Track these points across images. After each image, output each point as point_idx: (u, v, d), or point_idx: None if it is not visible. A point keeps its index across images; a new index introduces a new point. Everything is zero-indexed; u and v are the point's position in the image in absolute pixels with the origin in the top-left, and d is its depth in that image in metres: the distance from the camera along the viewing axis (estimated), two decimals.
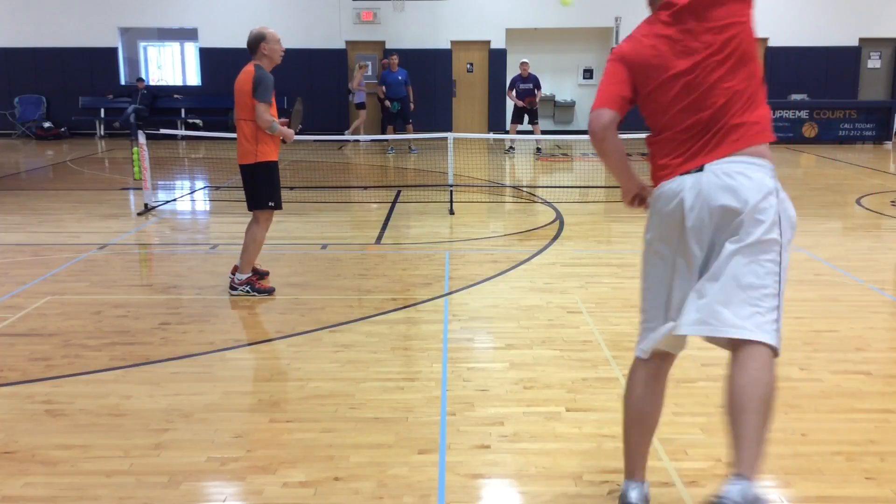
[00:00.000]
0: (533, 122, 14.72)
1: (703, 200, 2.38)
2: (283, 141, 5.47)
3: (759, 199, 2.49)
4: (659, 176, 2.55)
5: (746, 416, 2.20)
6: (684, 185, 2.42)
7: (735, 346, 2.33)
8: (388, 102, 14.47)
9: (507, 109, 18.69)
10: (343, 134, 17.43)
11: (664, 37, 2.46)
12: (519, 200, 9.88)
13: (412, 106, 14.72)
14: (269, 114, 5.27)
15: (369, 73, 17.15)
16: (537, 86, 14.60)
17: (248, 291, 5.45)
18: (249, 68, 5.30)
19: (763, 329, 2.37)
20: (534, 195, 9.99)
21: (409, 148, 15.01)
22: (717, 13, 2.39)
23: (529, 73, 14.61)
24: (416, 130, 15.62)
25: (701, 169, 2.41)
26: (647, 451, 2.65)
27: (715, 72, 2.40)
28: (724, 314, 2.33)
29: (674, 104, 2.45)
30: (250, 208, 5.47)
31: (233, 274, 5.50)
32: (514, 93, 14.67)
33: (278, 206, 5.47)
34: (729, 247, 2.39)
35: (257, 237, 5.44)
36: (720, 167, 2.41)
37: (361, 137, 14.72)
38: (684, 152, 2.46)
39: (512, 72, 18.53)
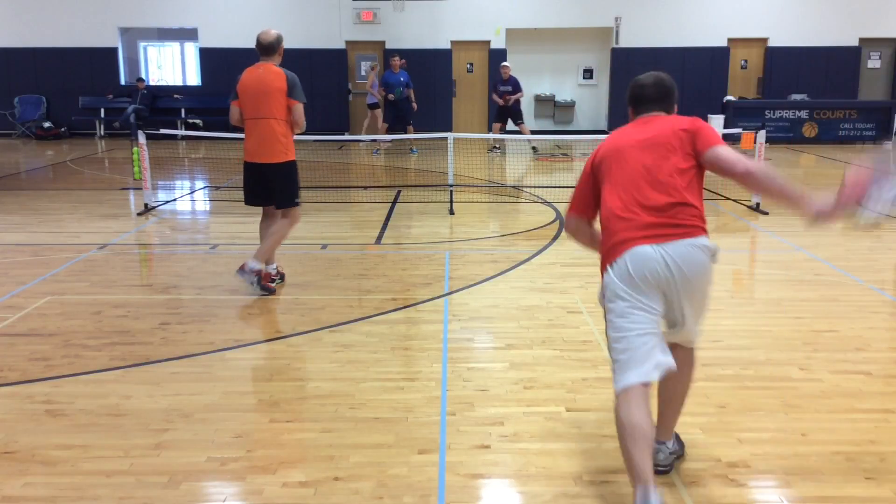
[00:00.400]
0: (518, 122, 14.77)
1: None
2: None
3: None
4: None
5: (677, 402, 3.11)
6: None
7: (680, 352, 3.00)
8: (390, 96, 14.37)
9: (492, 110, 18.74)
10: (343, 134, 17.44)
11: None
12: (519, 200, 9.88)
13: (414, 106, 14.67)
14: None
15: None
16: (517, 88, 14.64)
17: (252, 283, 5.44)
18: (276, 69, 5.32)
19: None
20: (534, 195, 9.99)
21: (410, 149, 14.97)
22: None
23: (510, 76, 14.70)
24: (416, 130, 15.62)
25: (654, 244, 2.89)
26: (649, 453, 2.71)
27: None
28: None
29: None
30: (281, 206, 5.50)
31: (241, 271, 5.44)
32: (494, 95, 14.89)
33: (299, 203, 5.60)
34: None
35: (286, 234, 5.55)
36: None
37: (366, 137, 14.74)
38: None
39: (512, 71, 18.54)
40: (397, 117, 14.57)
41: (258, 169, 5.42)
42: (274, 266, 5.71)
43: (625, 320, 2.78)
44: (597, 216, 3.06)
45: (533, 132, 16.48)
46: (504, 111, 14.69)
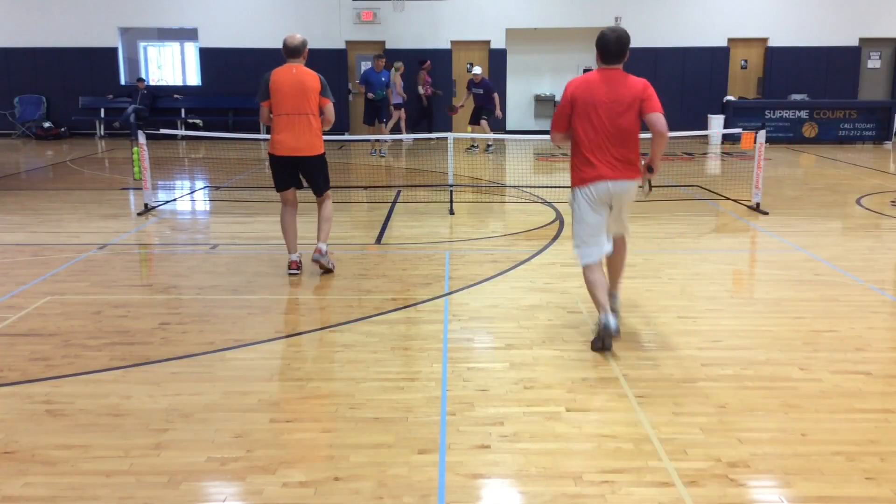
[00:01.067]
0: (481, 119, 14.94)
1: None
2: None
3: None
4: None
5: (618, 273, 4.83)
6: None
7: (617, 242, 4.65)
8: (370, 94, 14.37)
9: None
10: (343, 134, 17.44)
11: None
12: (519, 200, 9.88)
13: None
14: None
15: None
16: (489, 90, 14.84)
17: (329, 263, 6.04)
18: (309, 70, 5.89)
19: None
20: (534, 195, 9.99)
21: (381, 152, 14.80)
22: None
23: (482, 79, 14.97)
24: (416, 130, 15.62)
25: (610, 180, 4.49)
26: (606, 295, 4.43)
27: None
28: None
29: None
30: (322, 192, 6.09)
31: (317, 254, 5.95)
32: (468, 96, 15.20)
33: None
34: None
35: (331, 211, 6.22)
36: None
37: (369, 137, 14.73)
38: None
39: (512, 71, 18.57)
40: (374, 116, 14.50)
41: (292, 161, 5.91)
42: (298, 255, 6.14)
43: (587, 220, 4.43)
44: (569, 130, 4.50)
45: (533, 132, 16.45)
46: (476, 111, 14.99)
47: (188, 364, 4.22)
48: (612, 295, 4.66)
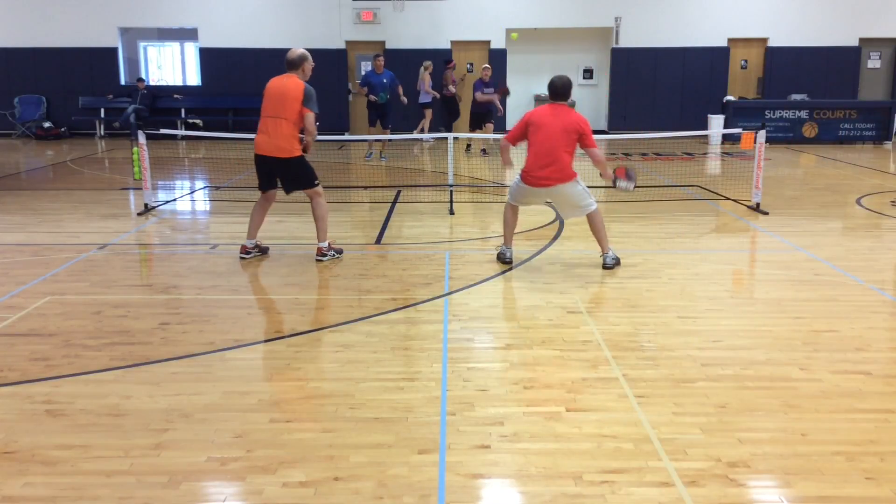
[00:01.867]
0: (487, 123, 14.77)
1: None
2: (305, 151, 6.33)
3: None
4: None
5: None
6: None
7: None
8: (372, 97, 13.51)
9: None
10: (343, 134, 17.44)
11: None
12: None
13: (404, 99, 14.04)
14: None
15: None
16: (496, 89, 14.69)
17: (334, 255, 6.43)
18: (298, 81, 6.22)
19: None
20: None
21: (381, 155, 14.18)
22: None
23: (490, 78, 14.66)
24: (416, 130, 15.60)
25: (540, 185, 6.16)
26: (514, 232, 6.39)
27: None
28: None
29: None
30: (304, 188, 6.36)
31: (318, 255, 6.39)
32: (478, 94, 14.75)
33: (318, 183, 6.42)
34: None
35: (323, 209, 6.42)
36: None
37: (369, 138, 14.71)
38: None
39: (512, 71, 18.57)
40: (380, 119, 13.62)
41: (266, 161, 6.28)
42: (254, 241, 6.54)
43: (519, 194, 6.24)
44: (517, 144, 6.25)
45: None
46: (482, 113, 14.63)
47: (188, 364, 4.22)
48: (604, 255, 6.19)
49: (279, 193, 6.61)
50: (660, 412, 3.59)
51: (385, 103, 13.52)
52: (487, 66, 14.95)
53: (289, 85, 6.16)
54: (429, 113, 15.94)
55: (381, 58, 13.61)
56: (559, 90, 6.07)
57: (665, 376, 4.01)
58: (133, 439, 3.32)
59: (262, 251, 6.64)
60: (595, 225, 6.15)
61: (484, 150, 14.80)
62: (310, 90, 6.18)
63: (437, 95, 15.53)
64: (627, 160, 14.03)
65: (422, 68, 15.53)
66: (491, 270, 6.13)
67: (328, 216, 6.49)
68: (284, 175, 6.34)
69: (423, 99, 15.82)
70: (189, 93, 18.57)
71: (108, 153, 15.23)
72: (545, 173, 5.94)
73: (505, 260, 6.28)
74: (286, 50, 6.45)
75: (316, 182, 6.37)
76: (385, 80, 13.39)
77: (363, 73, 14.76)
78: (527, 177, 6.04)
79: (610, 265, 6.13)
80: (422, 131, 15.39)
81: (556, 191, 6.05)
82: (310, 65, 6.39)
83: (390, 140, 14.40)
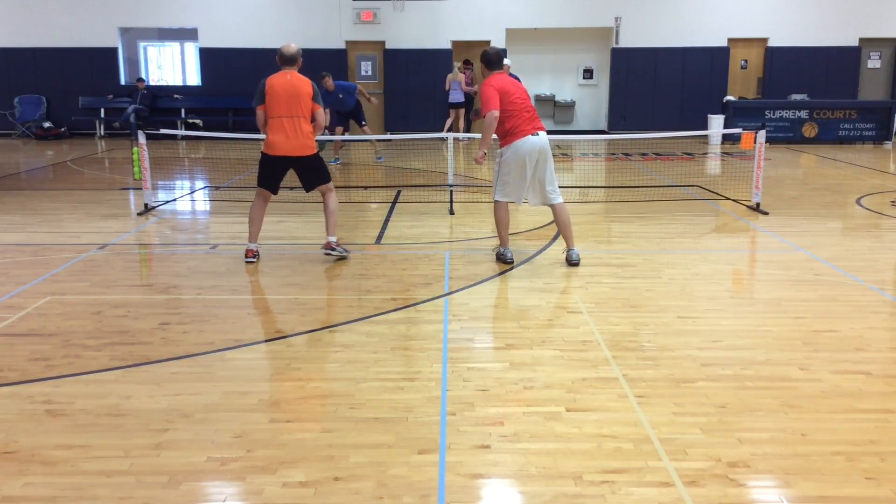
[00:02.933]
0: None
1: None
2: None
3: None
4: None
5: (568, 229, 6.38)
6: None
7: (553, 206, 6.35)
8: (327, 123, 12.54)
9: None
10: (344, 134, 17.41)
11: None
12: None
13: (372, 99, 13.33)
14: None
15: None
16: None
17: (342, 252, 6.45)
18: (302, 76, 6.24)
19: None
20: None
21: (377, 157, 13.95)
22: None
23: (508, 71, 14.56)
24: (416, 130, 15.60)
25: (537, 134, 6.21)
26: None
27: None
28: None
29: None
30: (312, 188, 6.47)
31: (327, 248, 6.44)
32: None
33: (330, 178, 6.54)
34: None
35: (336, 203, 6.54)
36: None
37: (371, 137, 14.70)
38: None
39: (513, 71, 18.53)
40: (353, 119, 13.05)
41: (285, 161, 6.25)
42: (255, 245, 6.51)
43: (513, 184, 6.36)
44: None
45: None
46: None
47: (188, 364, 4.22)
48: (569, 250, 6.37)
49: (292, 193, 6.58)
50: (660, 412, 3.59)
51: (349, 112, 12.81)
52: (508, 62, 14.71)
53: (299, 83, 6.15)
54: (461, 113, 15.91)
55: (328, 76, 12.41)
56: (496, 61, 6.30)
57: (665, 376, 4.01)
58: (133, 439, 3.32)
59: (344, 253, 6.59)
60: (562, 214, 6.38)
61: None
62: (316, 86, 6.28)
63: (472, 91, 15.56)
64: (627, 161, 14.03)
65: (455, 68, 15.42)
66: (491, 270, 6.13)
67: (337, 211, 6.56)
68: (307, 172, 6.34)
69: (456, 98, 15.75)
70: (189, 93, 18.57)
71: (108, 153, 15.23)
72: (538, 124, 6.18)
73: (506, 260, 6.30)
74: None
75: (329, 178, 6.50)
76: (341, 96, 12.57)
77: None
78: (525, 134, 6.10)
79: (576, 261, 6.26)
80: (449, 130, 15.24)
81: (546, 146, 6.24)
82: (301, 59, 6.42)
83: (363, 140, 14.00)
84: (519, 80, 6.57)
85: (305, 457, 3.18)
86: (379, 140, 14.45)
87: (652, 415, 3.56)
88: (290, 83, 6.12)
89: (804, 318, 4.96)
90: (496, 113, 6.03)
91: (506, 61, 14.66)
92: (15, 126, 17.90)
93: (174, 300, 5.40)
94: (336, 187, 6.72)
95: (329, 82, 12.28)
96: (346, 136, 12.89)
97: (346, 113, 12.85)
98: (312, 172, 6.36)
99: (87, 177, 11.93)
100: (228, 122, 18.11)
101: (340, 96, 12.54)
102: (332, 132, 12.69)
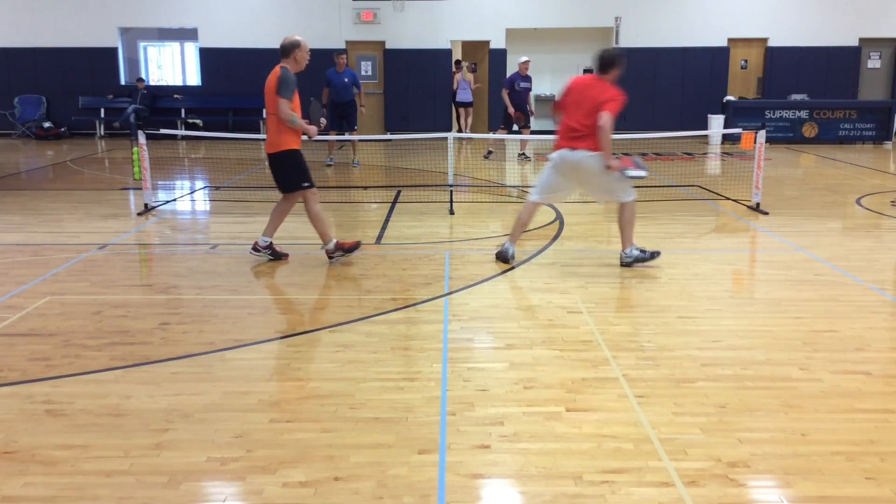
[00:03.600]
0: (526, 125, 13.96)
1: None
2: (308, 137, 6.14)
3: None
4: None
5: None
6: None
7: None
8: (324, 111, 12.53)
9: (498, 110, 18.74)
10: (343, 134, 17.40)
11: None
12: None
13: (362, 109, 12.87)
14: (289, 108, 5.87)
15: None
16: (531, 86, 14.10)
17: (342, 254, 6.31)
18: (276, 70, 5.93)
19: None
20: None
21: (353, 161, 13.37)
22: None
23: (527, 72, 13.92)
24: (415, 130, 15.59)
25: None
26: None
27: None
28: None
29: None
30: (284, 191, 6.24)
31: (329, 256, 6.30)
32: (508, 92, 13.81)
33: (312, 186, 6.20)
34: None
35: (316, 211, 6.23)
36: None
37: (368, 138, 14.71)
38: None
39: (512, 71, 18.54)
40: (343, 120, 12.68)
41: (268, 159, 6.17)
42: (269, 240, 6.38)
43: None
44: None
45: (533, 132, 16.46)
46: (519, 112, 13.59)
47: (188, 364, 4.22)
48: (623, 252, 6.26)
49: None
50: (660, 412, 3.59)
51: (346, 104, 12.60)
52: (527, 59, 14.17)
53: (270, 77, 5.90)
54: (470, 111, 15.91)
55: (344, 56, 12.64)
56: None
57: (665, 376, 4.01)
58: (133, 439, 3.33)
59: (276, 256, 6.38)
60: (623, 214, 6.21)
61: (491, 152, 14.17)
62: (284, 76, 5.82)
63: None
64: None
65: (464, 68, 15.35)
66: (491, 270, 6.13)
67: (324, 216, 6.29)
68: (273, 170, 6.14)
69: (464, 98, 15.69)
70: (189, 93, 18.57)
71: (108, 153, 15.23)
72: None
73: (507, 258, 6.25)
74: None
75: (304, 185, 6.12)
76: (347, 80, 12.51)
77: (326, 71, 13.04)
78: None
79: (629, 261, 6.19)
80: (459, 130, 15.11)
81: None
82: (303, 53, 5.99)
83: (360, 140, 13.55)
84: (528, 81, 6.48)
85: (305, 457, 3.18)
86: (362, 141, 13.69)
87: (652, 415, 3.56)
88: (267, 80, 5.93)
89: (804, 318, 4.96)
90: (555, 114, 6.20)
91: (522, 58, 14.50)
92: (15, 126, 17.90)
93: (174, 300, 5.40)
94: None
95: (342, 61, 12.55)
96: (337, 137, 12.54)
97: (340, 108, 12.57)
98: (277, 172, 6.13)
99: (87, 177, 11.93)
100: (228, 122, 18.11)
101: (346, 80, 12.48)
102: (328, 132, 12.37)
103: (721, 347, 4.45)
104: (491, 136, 14.22)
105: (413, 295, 5.48)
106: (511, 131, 13.83)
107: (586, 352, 4.37)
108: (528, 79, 13.78)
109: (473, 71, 17.34)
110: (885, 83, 18.62)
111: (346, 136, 12.63)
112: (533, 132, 15.15)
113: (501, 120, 13.91)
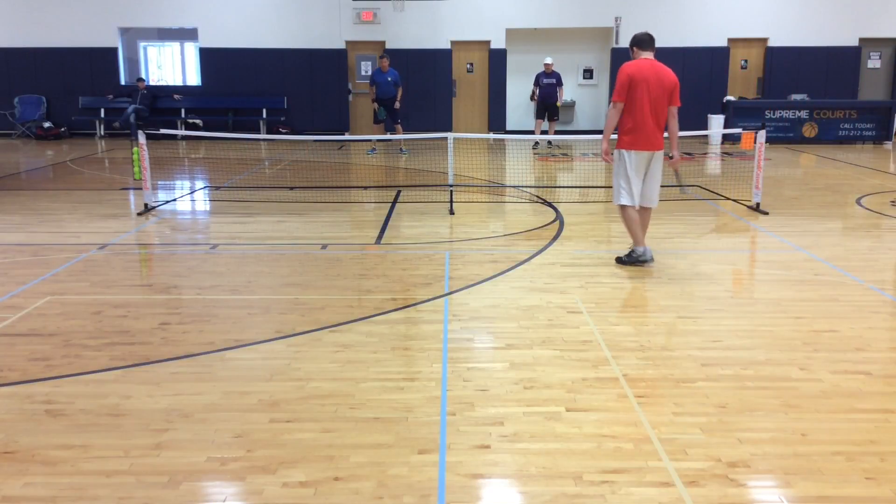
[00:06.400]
0: (554, 118, 15.57)
1: None
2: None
3: None
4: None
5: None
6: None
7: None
8: (375, 105, 14.47)
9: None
10: (343, 134, 17.45)
11: None
12: (519, 200, 9.88)
13: (397, 105, 14.65)
14: None
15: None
16: (559, 81, 15.33)
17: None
18: None
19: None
20: (534, 195, 10.00)
21: (400, 149, 14.98)
22: None
23: (552, 70, 15.36)
24: (415, 130, 15.60)
25: None
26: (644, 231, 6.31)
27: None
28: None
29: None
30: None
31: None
32: (536, 88, 15.59)
33: None
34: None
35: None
36: None
37: (364, 138, 14.74)
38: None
39: (512, 72, 18.57)
40: (389, 116, 14.61)
41: None
42: None
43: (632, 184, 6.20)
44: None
45: (532, 132, 16.50)
46: (544, 106, 15.42)
47: (188, 364, 4.22)
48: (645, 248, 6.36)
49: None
50: (660, 412, 3.59)
51: (389, 100, 14.38)
52: (550, 61, 15.58)
53: None
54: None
55: (386, 58, 14.44)
56: (649, 41, 6.13)
57: (665, 376, 4.01)
58: (133, 439, 3.33)
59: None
60: (648, 216, 6.42)
61: (548, 143, 15.37)
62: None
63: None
64: None
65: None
66: (491, 270, 6.13)
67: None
68: None
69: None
70: (189, 93, 18.56)
71: (108, 153, 15.23)
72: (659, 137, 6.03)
73: (645, 259, 6.18)
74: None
75: None
76: (390, 79, 14.29)
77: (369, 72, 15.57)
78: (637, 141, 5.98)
79: (648, 258, 6.28)
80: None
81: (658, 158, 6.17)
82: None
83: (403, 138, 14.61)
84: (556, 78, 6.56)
85: (305, 457, 3.18)
86: (395, 139, 14.75)
87: (652, 415, 3.56)
88: None
89: (804, 318, 4.96)
90: (616, 106, 6.04)
91: (547, 59, 15.33)
92: (15, 126, 17.89)
93: (174, 300, 5.40)
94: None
95: (385, 62, 14.32)
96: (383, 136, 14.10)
97: (384, 103, 14.40)
98: None
99: (87, 177, 11.93)
100: (228, 122, 18.10)
101: (389, 79, 14.29)
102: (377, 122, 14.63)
103: (721, 347, 4.45)
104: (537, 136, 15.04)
105: (413, 295, 5.48)
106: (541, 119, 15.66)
107: (586, 352, 4.37)
108: (552, 75, 15.45)
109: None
110: (885, 83, 18.61)
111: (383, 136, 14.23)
112: (543, 132, 15.68)
113: (535, 111, 16.17)
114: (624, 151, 6.08)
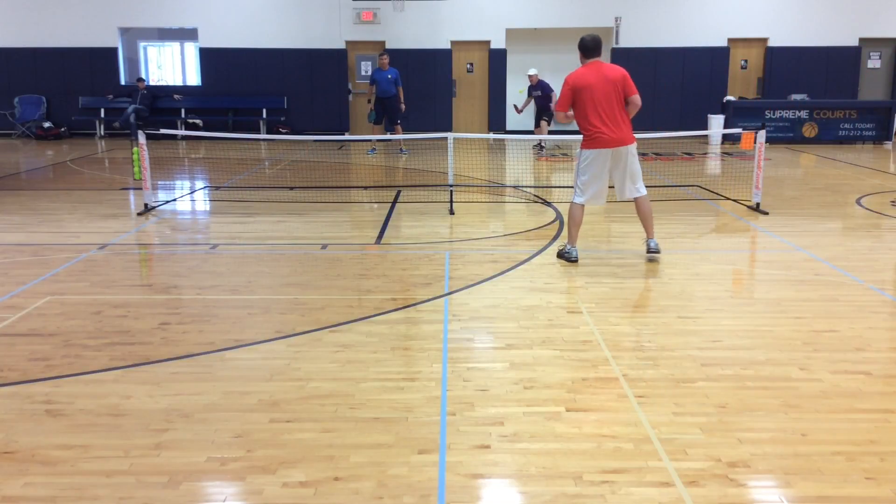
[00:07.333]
0: (541, 120, 15.30)
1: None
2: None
3: None
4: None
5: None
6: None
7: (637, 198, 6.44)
8: (371, 105, 14.58)
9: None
10: (343, 134, 17.45)
11: None
12: (519, 200, 9.88)
13: (402, 107, 14.62)
14: None
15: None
16: (545, 90, 15.09)
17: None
18: None
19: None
20: (534, 195, 10.00)
21: (400, 149, 14.94)
22: None
23: (538, 81, 15.15)
24: (415, 130, 15.60)
25: None
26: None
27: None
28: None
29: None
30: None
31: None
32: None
33: None
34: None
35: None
36: None
37: (365, 137, 14.74)
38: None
39: (512, 71, 18.57)
40: (387, 117, 14.55)
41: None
42: None
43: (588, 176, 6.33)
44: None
45: (532, 132, 16.48)
46: (538, 113, 15.44)
47: (188, 364, 4.22)
48: (649, 240, 6.47)
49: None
50: (660, 412, 3.59)
51: (388, 99, 14.34)
52: (534, 70, 15.50)
53: None
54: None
55: (386, 56, 14.49)
56: (594, 46, 6.50)
57: (665, 376, 4.01)
58: (133, 439, 3.33)
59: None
60: (647, 206, 6.46)
61: (542, 146, 15.38)
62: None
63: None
64: None
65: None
66: (491, 270, 6.13)
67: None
68: None
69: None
70: (189, 93, 18.57)
71: (108, 153, 15.23)
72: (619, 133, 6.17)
73: (571, 259, 6.33)
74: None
75: None
76: (390, 77, 14.29)
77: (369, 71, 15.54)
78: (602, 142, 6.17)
79: (657, 250, 6.39)
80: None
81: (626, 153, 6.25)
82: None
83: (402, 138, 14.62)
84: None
85: (305, 457, 3.18)
86: (394, 139, 14.74)
87: (652, 415, 3.56)
88: None
89: (804, 318, 4.96)
90: (560, 116, 6.51)
91: (531, 70, 15.37)
92: (15, 126, 17.90)
93: (174, 300, 5.40)
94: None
95: (385, 60, 14.36)
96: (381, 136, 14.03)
97: (383, 103, 14.35)
98: None
99: (87, 177, 11.93)
100: (228, 122, 18.11)
101: (389, 76, 14.29)
102: (378, 122, 14.59)
103: (721, 347, 4.45)
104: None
105: (413, 295, 5.48)
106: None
107: (586, 352, 4.37)
108: (537, 87, 15.22)
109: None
110: (885, 83, 18.62)
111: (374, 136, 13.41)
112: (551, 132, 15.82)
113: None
114: (584, 151, 6.33)
